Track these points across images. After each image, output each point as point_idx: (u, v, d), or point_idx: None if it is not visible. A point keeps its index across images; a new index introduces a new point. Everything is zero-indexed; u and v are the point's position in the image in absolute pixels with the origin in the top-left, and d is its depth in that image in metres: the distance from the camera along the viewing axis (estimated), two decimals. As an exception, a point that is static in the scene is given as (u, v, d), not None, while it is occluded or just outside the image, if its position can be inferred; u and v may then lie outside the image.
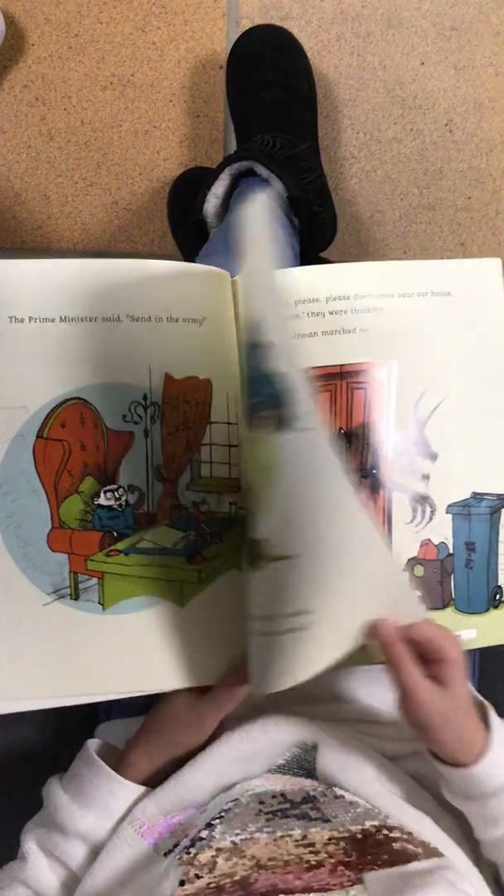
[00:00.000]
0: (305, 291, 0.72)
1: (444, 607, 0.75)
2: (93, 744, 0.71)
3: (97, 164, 1.29)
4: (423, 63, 1.26)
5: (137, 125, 1.28)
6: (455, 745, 0.63)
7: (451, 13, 1.24)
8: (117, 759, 0.69)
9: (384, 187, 1.30)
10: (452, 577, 0.75)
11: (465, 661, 0.63)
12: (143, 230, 1.32)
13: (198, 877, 0.56)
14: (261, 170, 1.06)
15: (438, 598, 0.75)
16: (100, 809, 0.66)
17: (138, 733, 0.71)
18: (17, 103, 1.27)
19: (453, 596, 0.75)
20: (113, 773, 0.67)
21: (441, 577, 0.75)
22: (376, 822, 0.60)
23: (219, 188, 1.10)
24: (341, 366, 0.72)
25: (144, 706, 0.73)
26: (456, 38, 1.25)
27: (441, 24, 1.25)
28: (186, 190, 1.24)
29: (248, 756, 0.67)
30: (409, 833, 0.60)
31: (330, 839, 0.58)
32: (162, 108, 1.28)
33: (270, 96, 1.14)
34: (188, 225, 1.16)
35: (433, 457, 0.74)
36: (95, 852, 0.65)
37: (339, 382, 0.72)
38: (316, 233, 1.14)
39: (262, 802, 0.62)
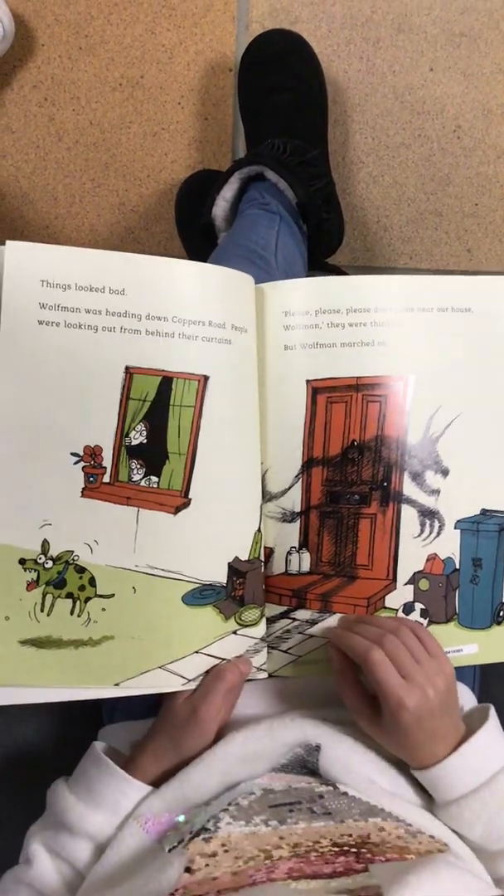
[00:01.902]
0: (327, 301, 0.72)
1: (447, 621, 0.76)
2: (100, 745, 0.72)
3: (105, 166, 1.29)
4: (432, 69, 1.26)
5: (146, 127, 1.28)
6: (412, 753, 0.67)
7: (460, 19, 1.24)
8: (126, 762, 0.71)
9: (392, 192, 1.30)
10: (457, 592, 0.76)
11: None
12: (150, 232, 1.32)
13: (205, 865, 0.57)
14: (270, 175, 1.07)
15: (442, 612, 0.75)
16: (108, 809, 0.67)
17: (146, 737, 0.72)
18: (26, 103, 1.27)
19: (457, 611, 0.76)
20: (122, 772, 0.68)
21: (446, 592, 0.75)
22: (379, 819, 0.61)
23: (228, 192, 1.10)
24: (357, 378, 0.72)
25: (148, 709, 0.75)
26: (465, 45, 1.25)
27: (450, 31, 1.25)
28: (194, 192, 1.25)
29: (252, 756, 0.68)
30: (414, 829, 0.61)
31: (334, 834, 0.59)
32: (171, 110, 1.28)
33: (282, 101, 1.14)
34: (196, 228, 1.17)
35: (445, 472, 0.74)
36: (101, 850, 0.66)
37: (355, 394, 0.72)
38: (323, 239, 1.14)
39: (267, 798, 0.64)
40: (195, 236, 1.23)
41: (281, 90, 1.14)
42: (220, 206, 1.10)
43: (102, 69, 1.27)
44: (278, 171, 1.06)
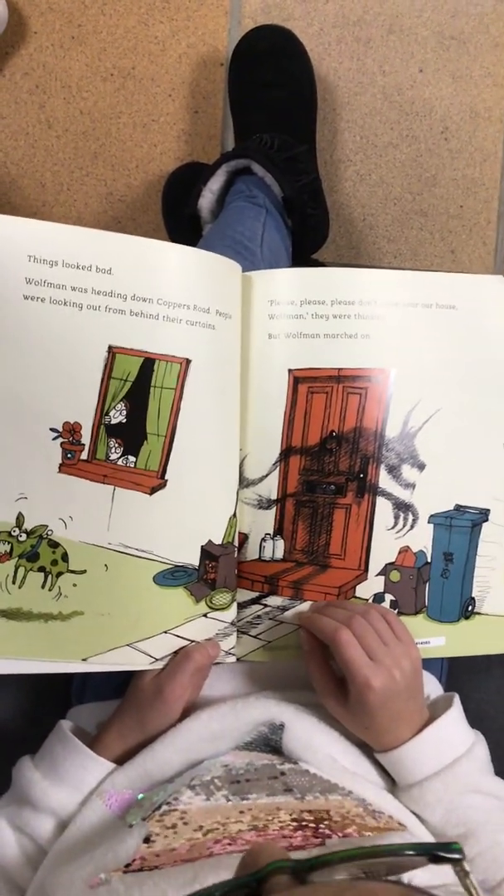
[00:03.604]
0: (312, 292, 0.73)
1: (416, 613, 0.77)
2: (66, 724, 0.72)
3: (94, 155, 1.30)
4: (421, 70, 1.27)
5: (136, 118, 1.29)
6: (377, 736, 0.68)
7: (451, 23, 1.26)
8: (92, 740, 0.71)
9: (378, 191, 1.31)
10: (428, 585, 0.77)
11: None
12: (137, 222, 1.32)
13: (164, 837, 0.58)
14: (257, 169, 1.07)
15: (412, 604, 0.76)
16: (72, 785, 0.68)
17: (113, 716, 0.73)
18: (17, 90, 1.28)
19: (426, 603, 0.77)
20: (87, 749, 0.69)
21: (416, 584, 0.76)
22: (339, 796, 0.62)
23: (215, 184, 1.10)
24: (339, 369, 0.73)
25: (116, 690, 0.75)
26: (455, 48, 1.26)
27: (441, 33, 1.26)
28: (182, 184, 1.25)
29: (216, 734, 0.69)
30: (374, 807, 0.62)
31: (293, 809, 0.60)
32: (161, 102, 1.28)
33: (271, 97, 1.15)
34: (182, 218, 1.17)
35: (421, 466, 0.75)
36: (64, 826, 0.67)
37: (336, 385, 0.73)
38: (308, 234, 1.15)
39: (229, 774, 0.64)
40: (181, 227, 1.23)
41: (271, 86, 1.15)
42: (207, 198, 1.11)
43: (94, 59, 1.27)
44: (265, 166, 1.06)
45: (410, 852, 0.40)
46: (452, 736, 0.69)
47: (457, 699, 0.73)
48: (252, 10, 1.26)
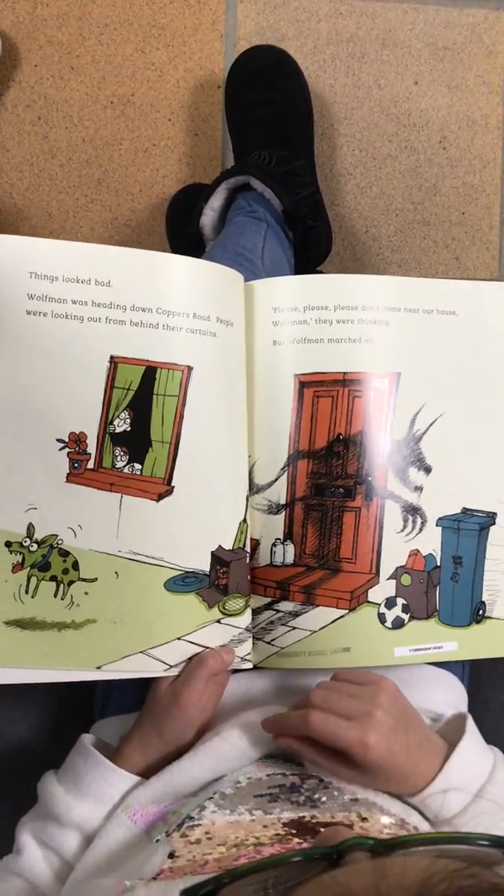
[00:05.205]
0: (315, 298, 0.74)
1: (427, 618, 0.76)
2: (88, 738, 0.73)
3: (98, 181, 1.32)
4: (416, 82, 1.29)
5: (137, 143, 1.31)
6: (403, 780, 0.64)
7: (444, 33, 1.27)
8: (113, 752, 0.71)
9: (379, 203, 1.32)
10: (438, 588, 0.76)
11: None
12: (143, 246, 1.34)
13: (188, 852, 0.57)
14: (256, 184, 1.09)
15: (423, 608, 0.76)
16: (95, 799, 0.68)
17: (133, 727, 0.73)
18: (20, 122, 1.30)
19: (438, 607, 0.76)
20: (108, 762, 0.69)
21: (427, 588, 0.76)
22: (363, 809, 0.61)
23: (216, 202, 1.12)
24: (344, 373, 0.74)
25: (138, 703, 0.75)
26: (449, 58, 1.28)
27: (434, 45, 1.27)
28: (184, 206, 1.27)
29: (245, 752, 0.68)
30: (397, 819, 0.61)
31: (318, 823, 0.59)
32: (161, 126, 1.30)
33: (267, 114, 1.16)
34: (185, 238, 1.19)
35: (427, 469, 0.75)
36: (89, 841, 0.67)
37: (341, 389, 0.74)
38: (311, 247, 1.16)
39: (252, 787, 0.64)
40: (184, 247, 1.25)
41: (266, 104, 1.16)
42: (208, 216, 1.12)
43: (94, 88, 1.29)
44: (264, 181, 1.08)
45: (484, 842, 0.39)
46: (468, 770, 0.66)
47: (469, 724, 0.70)
48: (247, 33, 1.28)
